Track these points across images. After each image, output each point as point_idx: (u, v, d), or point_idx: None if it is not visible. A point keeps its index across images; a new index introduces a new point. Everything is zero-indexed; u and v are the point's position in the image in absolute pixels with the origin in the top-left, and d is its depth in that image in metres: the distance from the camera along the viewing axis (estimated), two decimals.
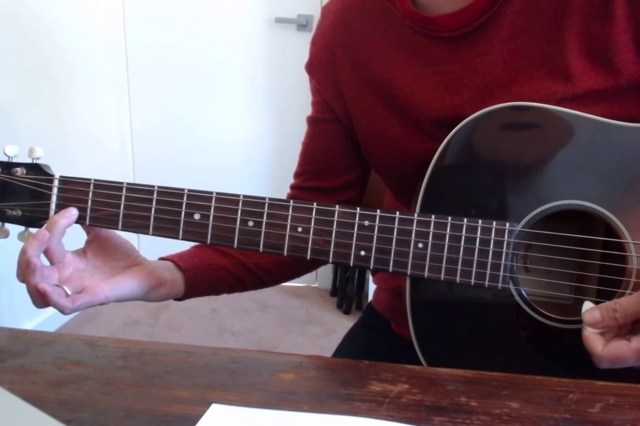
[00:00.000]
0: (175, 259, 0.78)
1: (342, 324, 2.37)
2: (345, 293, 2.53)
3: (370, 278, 1.43)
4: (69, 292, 0.65)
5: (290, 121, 2.58)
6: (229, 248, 0.80)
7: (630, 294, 0.64)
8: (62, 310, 0.65)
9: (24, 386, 0.55)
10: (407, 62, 0.74)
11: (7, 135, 1.89)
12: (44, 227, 0.66)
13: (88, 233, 0.72)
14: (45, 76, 2.21)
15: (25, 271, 0.63)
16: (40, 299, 0.64)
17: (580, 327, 0.63)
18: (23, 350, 0.62)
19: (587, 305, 0.61)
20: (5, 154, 0.67)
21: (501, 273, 0.65)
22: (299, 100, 2.48)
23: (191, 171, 2.66)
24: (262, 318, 2.47)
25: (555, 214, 0.66)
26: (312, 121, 0.86)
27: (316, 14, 2.45)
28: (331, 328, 2.38)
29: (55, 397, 0.53)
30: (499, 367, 0.60)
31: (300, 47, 2.42)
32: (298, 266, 0.88)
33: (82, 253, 0.71)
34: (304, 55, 0.85)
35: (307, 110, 0.87)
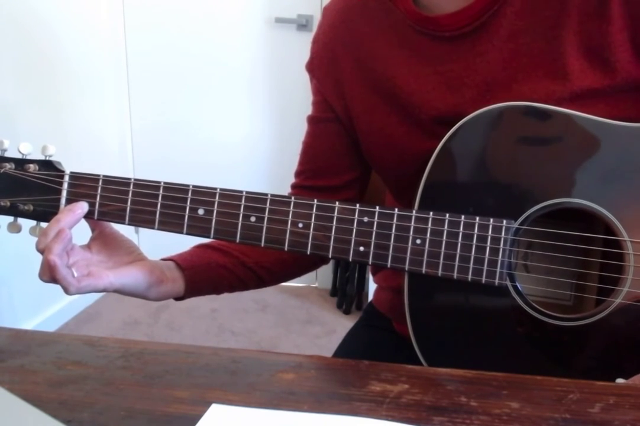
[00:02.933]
0: (176, 259, 0.79)
1: (342, 324, 2.37)
2: (345, 293, 2.53)
3: (371, 278, 1.43)
4: (75, 274, 0.67)
5: (290, 120, 2.58)
6: (229, 247, 0.81)
7: (627, 291, 0.65)
8: (67, 287, 0.66)
9: (24, 386, 0.55)
10: (409, 61, 0.75)
11: (8, 135, 1.89)
12: (60, 212, 0.68)
13: (93, 230, 0.73)
14: (45, 76, 2.21)
15: (54, 238, 0.65)
16: (49, 271, 0.65)
17: (577, 324, 0.63)
18: (23, 350, 0.62)
19: (620, 381, 0.61)
20: (20, 152, 0.69)
21: (498, 270, 0.66)
22: (299, 100, 2.48)
23: (191, 171, 2.65)
24: (262, 318, 2.47)
25: (554, 213, 0.66)
26: (312, 120, 0.86)
27: (316, 14, 2.45)
28: (331, 328, 2.38)
29: (55, 397, 0.53)
30: (497, 365, 0.61)
31: (300, 47, 2.42)
32: (298, 266, 0.88)
33: (86, 248, 0.72)
34: (304, 55, 0.85)
35: (307, 110, 0.87)
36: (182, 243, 0.83)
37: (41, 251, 0.66)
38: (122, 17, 2.63)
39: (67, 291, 0.66)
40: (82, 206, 0.69)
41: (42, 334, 0.66)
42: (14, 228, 0.71)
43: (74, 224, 0.68)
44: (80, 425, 0.50)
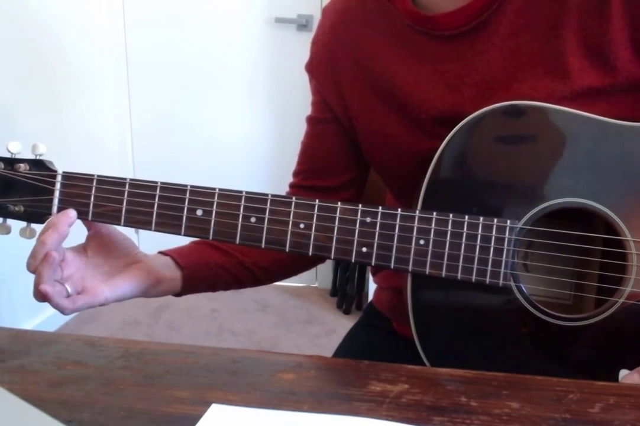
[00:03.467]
0: (175, 256, 0.78)
1: (342, 324, 2.37)
2: (345, 293, 2.53)
3: (371, 278, 1.43)
4: (69, 290, 0.66)
5: (290, 120, 2.58)
6: (228, 246, 0.81)
7: (630, 291, 0.65)
8: (62, 311, 0.65)
9: (24, 386, 0.55)
10: (408, 61, 0.75)
11: (7, 135, 1.89)
12: (45, 231, 0.66)
13: (89, 229, 0.71)
14: (45, 75, 2.21)
15: (42, 263, 0.64)
16: (42, 297, 0.64)
17: (581, 324, 0.63)
18: (23, 350, 0.61)
19: (624, 372, 0.61)
20: (9, 151, 0.67)
21: (502, 270, 0.65)
22: (299, 100, 2.48)
23: (191, 170, 2.65)
24: (262, 318, 2.47)
25: (556, 213, 0.66)
26: (311, 120, 0.86)
27: (316, 14, 2.45)
28: (331, 328, 2.38)
29: (55, 397, 0.53)
30: (500, 365, 0.60)
31: (300, 47, 2.42)
32: (296, 265, 0.88)
33: (82, 250, 0.71)
34: (304, 56, 0.85)
35: (307, 110, 0.87)
36: (183, 241, 0.82)
37: (32, 272, 0.65)
38: (122, 17, 2.63)
39: (62, 313, 0.65)
40: (68, 222, 0.66)
41: (42, 334, 0.66)
42: (3, 230, 0.68)
43: (61, 242, 0.65)
44: (80, 425, 0.50)
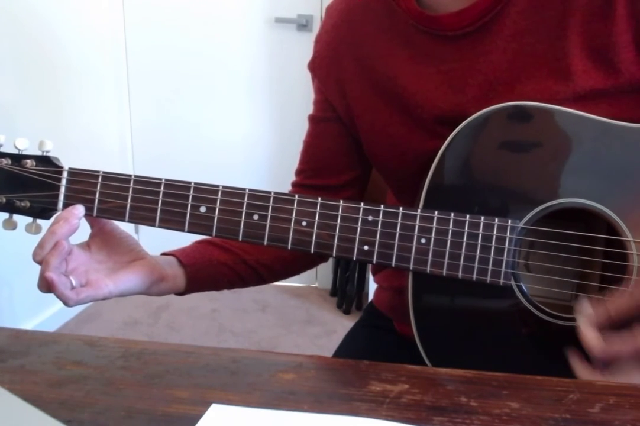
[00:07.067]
0: (177, 255, 0.79)
1: (342, 324, 2.38)
2: (345, 293, 2.53)
3: (371, 278, 1.43)
4: (74, 282, 0.66)
5: (290, 120, 2.58)
6: (231, 244, 0.81)
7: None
8: (67, 301, 0.66)
9: (24, 386, 0.55)
10: (411, 61, 0.75)
11: (8, 134, 1.90)
12: (55, 222, 0.67)
13: (92, 227, 0.72)
14: (45, 75, 2.21)
15: (51, 251, 0.64)
16: (47, 286, 0.65)
17: None
18: (23, 350, 0.61)
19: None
20: (16, 147, 0.68)
21: (503, 269, 0.65)
22: (299, 100, 2.48)
23: (191, 170, 2.66)
24: (262, 318, 2.47)
25: (557, 213, 0.66)
26: (313, 119, 0.86)
27: (316, 14, 2.45)
28: (331, 328, 2.38)
29: (55, 397, 0.53)
30: (501, 364, 0.60)
31: (300, 47, 2.43)
32: (298, 264, 0.88)
33: (86, 246, 0.71)
34: (304, 55, 0.85)
35: (307, 110, 0.87)
36: (183, 240, 0.82)
37: (38, 263, 0.65)
38: (122, 16, 2.63)
39: (66, 304, 0.66)
40: (78, 215, 0.67)
41: (42, 334, 0.66)
42: (9, 225, 0.69)
43: (71, 234, 0.66)
44: (80, 425, 0.49)
